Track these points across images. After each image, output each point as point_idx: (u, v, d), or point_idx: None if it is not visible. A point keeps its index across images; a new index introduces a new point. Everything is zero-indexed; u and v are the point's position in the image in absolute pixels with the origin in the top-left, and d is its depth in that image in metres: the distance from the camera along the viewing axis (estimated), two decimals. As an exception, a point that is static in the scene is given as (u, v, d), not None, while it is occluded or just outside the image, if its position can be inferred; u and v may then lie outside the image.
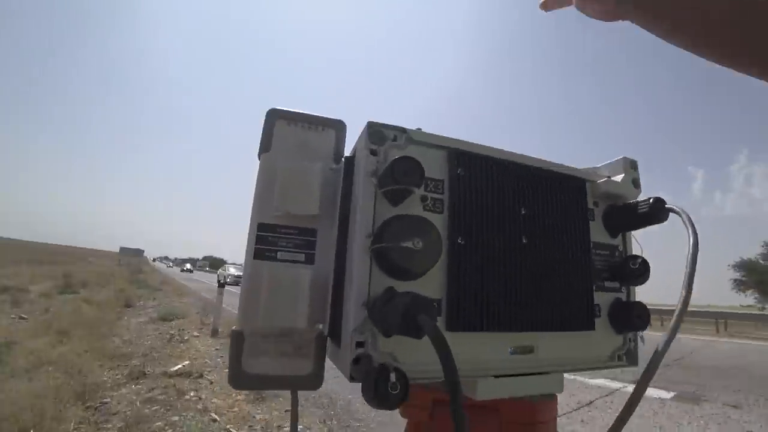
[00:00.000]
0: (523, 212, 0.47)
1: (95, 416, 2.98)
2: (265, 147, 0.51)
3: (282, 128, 0.52)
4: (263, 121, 0.53)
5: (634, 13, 0.48)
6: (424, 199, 0.43)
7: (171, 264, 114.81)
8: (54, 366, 3.93)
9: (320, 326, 0.47)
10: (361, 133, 0.45)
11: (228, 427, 2.99)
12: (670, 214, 0.50)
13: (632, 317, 0.52)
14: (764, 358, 7.70)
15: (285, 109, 0.53)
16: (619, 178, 0.54)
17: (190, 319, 8.08)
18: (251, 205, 0.50)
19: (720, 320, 13.48)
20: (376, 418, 3.32)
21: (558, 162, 0.53)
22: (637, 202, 0.52)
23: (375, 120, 0.44)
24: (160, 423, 2.91)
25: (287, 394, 0.50)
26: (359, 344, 0.38)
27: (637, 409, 0.43)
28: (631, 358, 0.55)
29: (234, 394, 3.84)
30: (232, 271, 30.12)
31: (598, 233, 0.53)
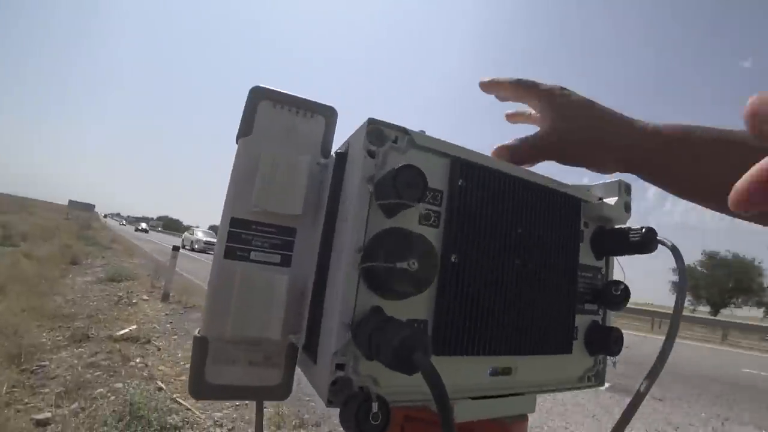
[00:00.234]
0: (519, 231, 0.45)
1: (31, 380, 2.84)
2: (246, 130, 0.46)
3: (266, 110, 0.47)
4: (245, 100, 0.48)
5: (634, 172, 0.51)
6: (420, 211, 0.40)
7: (124, 222, 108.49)
8: (-14, 324, 3.70)
9: (294, 337, 0.43)
10: (358, 129, 0.40)
11: (175, 396, 2.93)
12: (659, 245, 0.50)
13: (609, 342, 0.51)
14: (689, 355, 8.37)
15: (271, 88, 0.48)
16: (612, 200, 0.53)
17: (140, 281, 7.80)
18: (224, 196, 0.45)
19: (656, 318, 14.51)
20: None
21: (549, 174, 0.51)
22: (629, 228, 0.51)
23: (362, 114, 0.39)
24: (102, 389, 2.80)
25: None
26: (339, 366, 0.35)
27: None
28: (600, 379, 0.56)
29: (182, 362, 3.75)
30: (200, 235, 25.90)
31: (584, 255, 0.52)
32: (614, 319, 0.57)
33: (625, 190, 0.54)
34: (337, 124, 0.51)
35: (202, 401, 2.94)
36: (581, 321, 0.52)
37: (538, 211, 0.47)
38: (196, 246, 24.30)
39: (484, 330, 0.42)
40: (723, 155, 0.44)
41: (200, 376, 0.39)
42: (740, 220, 0.36)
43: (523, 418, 0.50)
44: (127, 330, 4.25)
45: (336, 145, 0.50)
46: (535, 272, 0.46)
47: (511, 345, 0.44)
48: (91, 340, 3.86)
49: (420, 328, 0.39)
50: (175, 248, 7.20)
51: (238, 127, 0.47)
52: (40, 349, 3.41)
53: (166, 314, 5.54)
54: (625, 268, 0.57)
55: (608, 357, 0.56)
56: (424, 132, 0.41)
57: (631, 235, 0.50)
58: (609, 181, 0.55)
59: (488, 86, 0.54)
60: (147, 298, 6.38)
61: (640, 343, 9.09)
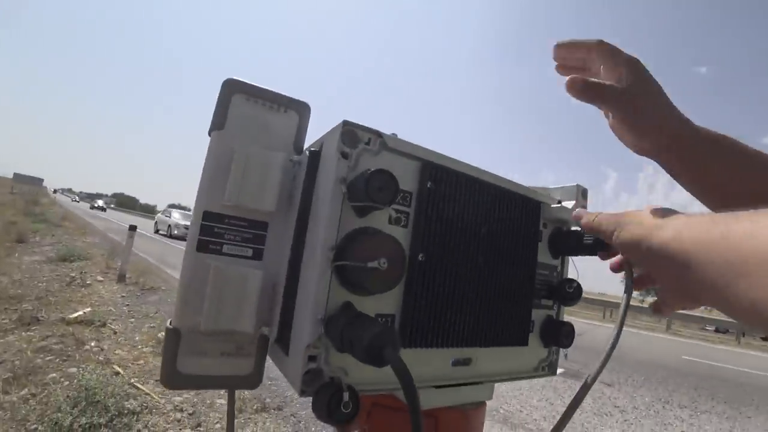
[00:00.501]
0: (483, 231, 0.48)
1: (-26, 364, 2.70)
2: (219, 124, 0.46)
3: (240, 104, 0.47)
4: (218, 93, 0.48)
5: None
6: (390, 212, 0.42)
7: (77, 199, 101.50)
8: None
9: (266, 329, 0.44)
10: (332, 130, 0.42)
11: (132, 381, 2.86)
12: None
13: (560, 336, 0.56)
14: (636, 343, 8.90)
15: (244, 81, 0.48)
16: (570, 204, 0.57)
17: (95, 262, 7.48)
18: (197, 190, 0.45)
19: (608, 308, 15.34)
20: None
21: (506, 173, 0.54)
22: (584, 232, 0.55)
23: (340, 116, 0.41)
24: (54, 374, 2.71)
25: None
26: (311, 358, 0.37)
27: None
28: (552, 369, 0.60)
29: (140, 345, 3.66)
30: (178, 217, 20.14)
31: (542, 254, 0.56)
32: (570, 309, 0.62)
33: (582, 194, 0.58)
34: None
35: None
36: (537, 315, 0.56)
37: (501, 212, 0.50)
38: (176, 231, 18.93)
39: (448, 324, 0.45)
40: (747, 167, 0.48)
41: (172, 366, 0.40)
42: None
43: (482, 404, 0.53)
44: (80, 312, 4.09)
45: (308, 141, 0.50)
46: (497, 270, 0.49)
47: (472, 337, 0.47)
48: (42, 323, 3.69)
49: (389, 325, 0.41)
50: (132, 227, 6.92)
51: (210, 119, 0.47)
52: (-16, 333, 3.24)
53: (123, 296, 5.36)
54: (580, 263, 0.61)
55: (561, 350, 0.60)
56: (396, 135, 0.43)
57: (585, 238, 0.54)
58: (568, 185, 0.59)
59: (569, 47, 0.53)
60: (102, 279, 6.14)
61: (592, 330, 9.61)
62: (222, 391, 2.54)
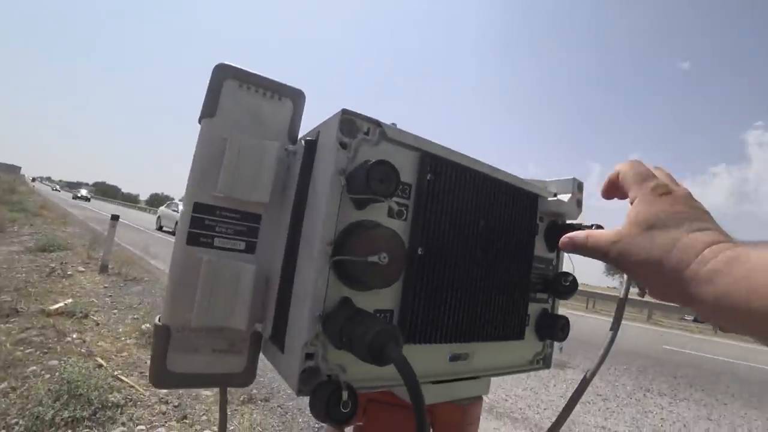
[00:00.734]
0: (481, 224, 0.47)
1: (-49, 357, 2.62)
2: (210, 111, 0.44)
3: (232, 90, 0.45)
4: (209, 79, 0.45)
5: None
6: (390, 204, 0.40)
7: (58, 188, 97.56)
8: None
9: (259, 325, 0.43)
10: (329, 119, 0.40)
11: (116, 373, 2.81)
12: None
13: (556, 329, 0.55)
14: (618, 333, 9.08)
15: (237, 66, 0.46)
16: (566, 197, 0.56)
17: (75, 252, 7.30)
18: (187, 180, 0.43)
19: (590, 299, 15.64)
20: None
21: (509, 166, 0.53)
22: (580, 225, 0.54)
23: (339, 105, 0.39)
24: (35, 367, 2.64)
25: None
26: (308, 356, 0.35)
27: None
28: (547, 362, 0.60)
29: (123, 337, 3.60)
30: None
31: (538, 247, 0.55)
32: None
33: (578, 187, 0.57)
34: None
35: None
36: (532, 309, 0.56)
37: (500, 205, 0.49)
38: None
39: (447, 319, 0.44)
40: None
41: (162, 365, 0.39)
42: None
43: (478, 399, 0.53)
44: (61, 304, 3.99)
45: (301, 131, 0.49)
46: (496, 263, 0.48)
47: (471, 332, 0.46)
48: (21, 314, 3.59)
49: (391, 323, 0.40)
50: (114, 217, 6.76)
51: (201, 106, 0.45)
52: (-39, 325, 3.15)
53: (105, 287, 5.25)
54: (574, 257, 0.61)
55: (555, 342, 0.60)
56: (396, 125, 0.42)
57: None
58: (564, 178, 0.58)
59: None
60: (83, 269, 6.00)
61: (576, 321, 9.76)
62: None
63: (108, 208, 28.50)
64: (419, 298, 0.41)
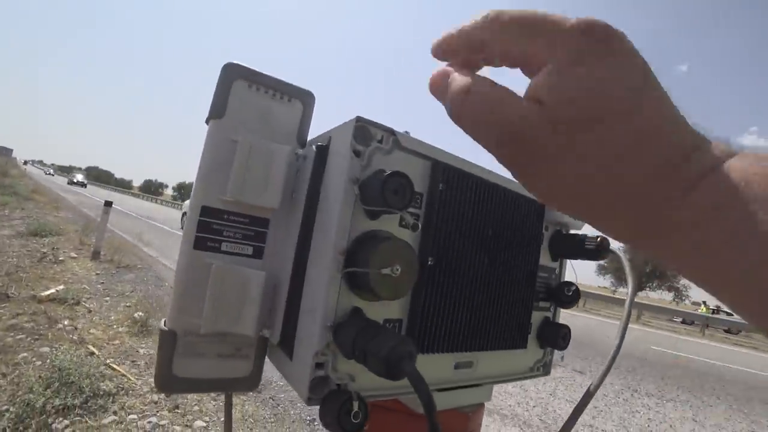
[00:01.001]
0: (489, 233, 0.47)
1: (-60, 342, 2.60)
2: (218, 112, 0.43)
3: (241, 91, 0.44)
4: (217, 79, 0.45)
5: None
6: (402, 215, 0.40)
7: (52, 172, 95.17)
8: None
9: (266, 331, 0.42)
10: (342, 125, 0.39)
11: (108, 361, 2.81)
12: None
13: (557, 338, 0.56)
14: (608, 333, 9.20)
15: (247, 66, 0.45)
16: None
17: (68, 237, 7.24)
18: (194, 183, 0.42)
19: (582, 298, 15.93)
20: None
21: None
22: (585, 236, 0.54)
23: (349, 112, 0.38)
24: (25, 354, 2.63)
25: None
26: (319, 365, 0.35)
27: None
28: (547, 369, 0.60)
29: (115, 325, 3.58)
30: None
31: (542, 256, 0.55)
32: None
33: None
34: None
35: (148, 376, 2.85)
36: (535, 317, 0.56)
37: (508, 214, 0.49)
38: None
39: (454, 328, 0.44)
40: None
41: (168, 369, 0.38)
42: None
43: (480, 406, 0.53)
44: (53, 290, 3.96)
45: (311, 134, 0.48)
46: (501, 273, 0.48)
47: (477, 341, 0.47)
48: (12, 300, 3.56)
49: (404, 336, 0.40)
50: (108, 203, 6.70)
51: (209, 106, 0.44)
52: (-50, 309, 3.12)
53: (97, 274, 5.22)
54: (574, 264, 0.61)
55: (556, 350, 0.60)
56: (409, 133, 0.41)
57: (586, 243, 0.53)
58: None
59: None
60: (75, 255, 5.96)
61: (567, 320, 9.87)
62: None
63: (101, 194, 28.23)
64: (428, 308, 0.41)
